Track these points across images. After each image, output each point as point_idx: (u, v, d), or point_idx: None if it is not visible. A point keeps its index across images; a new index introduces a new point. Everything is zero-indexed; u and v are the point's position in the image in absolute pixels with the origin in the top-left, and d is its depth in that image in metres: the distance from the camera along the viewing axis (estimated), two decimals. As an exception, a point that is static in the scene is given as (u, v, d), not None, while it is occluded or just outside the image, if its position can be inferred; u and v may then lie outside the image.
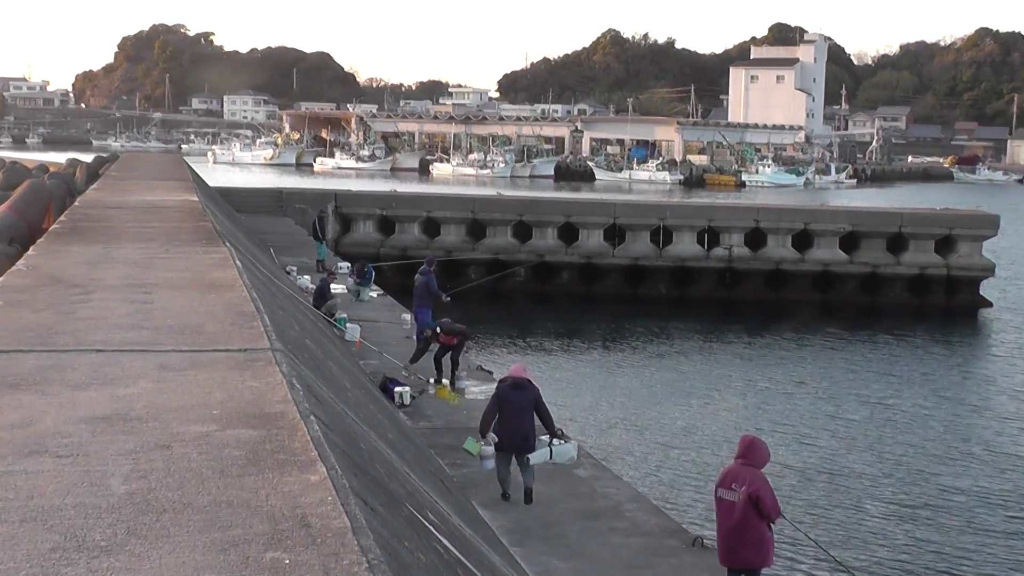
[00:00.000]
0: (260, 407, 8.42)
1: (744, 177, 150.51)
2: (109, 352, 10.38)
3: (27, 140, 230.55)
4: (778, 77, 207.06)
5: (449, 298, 26.75)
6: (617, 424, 27.78)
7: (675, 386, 32.49)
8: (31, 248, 19.38)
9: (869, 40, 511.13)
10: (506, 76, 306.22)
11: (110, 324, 11.83)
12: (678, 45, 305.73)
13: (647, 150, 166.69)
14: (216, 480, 6.68)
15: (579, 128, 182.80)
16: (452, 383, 22.57)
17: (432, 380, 22.63)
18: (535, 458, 16.02)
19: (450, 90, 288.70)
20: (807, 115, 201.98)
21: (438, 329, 22.75)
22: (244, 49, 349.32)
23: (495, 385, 17.16)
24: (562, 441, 16.99)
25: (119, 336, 11.18)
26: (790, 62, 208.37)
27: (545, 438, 16.44)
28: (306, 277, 34.78)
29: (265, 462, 7.05)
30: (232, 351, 10.53)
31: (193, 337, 11.20)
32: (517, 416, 15.66)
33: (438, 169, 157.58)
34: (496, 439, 15.76)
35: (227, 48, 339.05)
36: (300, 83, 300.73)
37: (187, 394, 8.80)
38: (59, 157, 78.97)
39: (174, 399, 8.63)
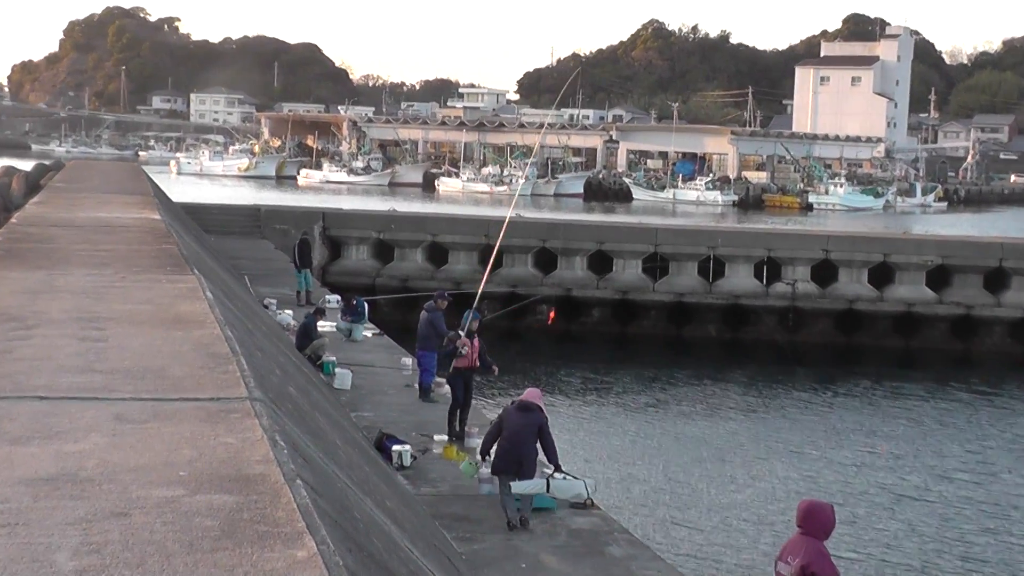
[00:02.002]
0: (237, 468, 8.41)
1: (811, 198, 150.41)
2: (54, 400, 10.38)
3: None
4: (853, 79, 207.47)
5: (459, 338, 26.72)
6: (658, 492, 27.69)
7: (727, 446, 32.39)
8: (-40, 273, 19.45)
9: (965, 35, 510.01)
10: (527, 75, 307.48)
11: (55, 366, 11.84)
12: (733, 39, 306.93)
13: (695, 165, 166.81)
14: (184, 556, 6.66)
15: (614, 138, 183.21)
16: (460, 436, 22.58)
17: (434, 437, 22.61)
18: (521, 487, 17.28)
19: (460, 91, 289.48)
20: (888, 124, 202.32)
21: (472, 319, 22.98)
22: (215, 38, 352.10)
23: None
24: (567, 476, 18.13)
25: (66, 381, 11.19)
26: (868, 61, 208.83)
27: (548, 470, 17.74)
28: (288, 312, 34.77)
29: (243, 534, 7.04)
30: (202, 400, 10.53)
31: (155, 382, 11.20)
32: (516, 438, 17.46)
33: (445, 185, 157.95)
34: (491, 460, 17.32)
35: (195, 37, 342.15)
36: (282, 80, 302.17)
37: (148, 451, 8.79)
38: (-7, 164, 79.29)
39: (133, 457, 8.62)
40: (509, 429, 17.61)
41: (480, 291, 25.80)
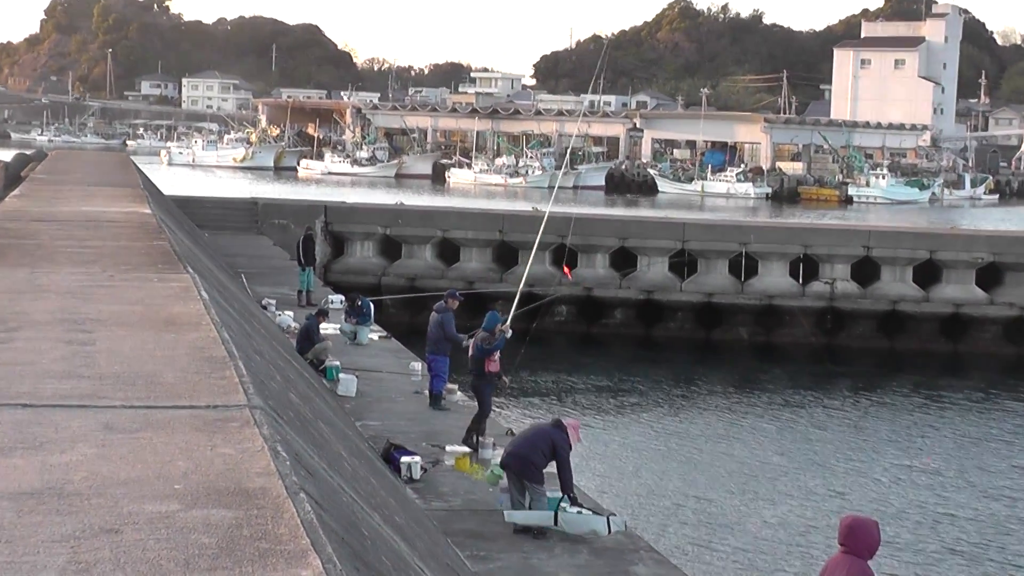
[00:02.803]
0: (235, 481, 8.43)
1: (851, 191, 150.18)
2: (38, 408, 10.41)
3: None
4: (897, 62, 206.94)
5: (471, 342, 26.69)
6: (685, 507, 27.68)
7: (760, 458, 32.36)
8: (-65, 272, 19.50)
9: (1018, 14, 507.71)
10: (545, 58, 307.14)
11: (39, 371, 11.88)
12: (766, 20, 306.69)
13: (725, 155, 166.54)
14: (179, 575, 6.69)
15: (638, 126, 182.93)
16: (475, 444, 22.58)
17: (446, 448, 22.60)
18: (523, 518, 17.86)
19: (473, 75, 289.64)
20: (934, 111, 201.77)
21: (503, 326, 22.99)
22: (209, 19, 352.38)
23: None
24: (583, 509, 18.02)
25: (51, 387, 11.22)
26: (913, 42, 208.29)
27: (558, 494, 17.94)
28: (288, 314, 34.82)
29: (243, 552, 7.05)
30: (198, 408, 10.56)
31: (147, 389, 11.23)
32: (526, 441, 18.23)
33: (456, 176, 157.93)
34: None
35: (187, 17, 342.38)
36: (281, 64, 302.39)
37: (140, 463, 8.81)
38: (-30, 155, 79.45)
39: (124, 469, 8.64)
40: (523, 432, 18.85)
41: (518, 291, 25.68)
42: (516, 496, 18.17)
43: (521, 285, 26.48)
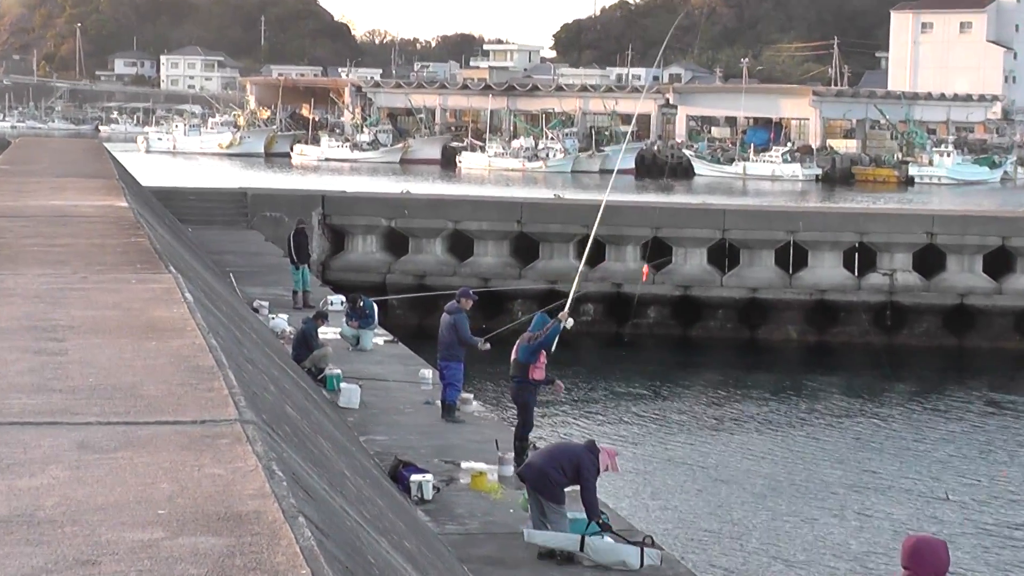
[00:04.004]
0: (226, 504, 8.43)
1: (912, 170, 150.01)
2: (4, 426, 10.39)
3: None
4: (962, 24, 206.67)
5: (489, 345, 26.73)
6: (728, 526, 27.68)
7: (811, 472, 32.31)
8: None
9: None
10: (566, 28, 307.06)
11: (4, 385, 11.88)
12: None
13: (769, 133, 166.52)
14: (164, 611, 6.70)
15: (671, 102, 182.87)
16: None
17: (461, 464, 22.59)
18: (545, 539, 18.00)
19: (485, 47, 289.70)
20: (1005, 79, 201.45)
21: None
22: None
23: None
24: (607, 535, 18.07)
25: (18, 402, 11.22)
26: (980, 2, 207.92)
27: (580, 515, 18.15)
28: (282, 317, 34.88)
29: (235, 585, 7.06)
30: (183, 423, 10.56)
31: (126, 403, 11.24)
32: (548, 454, 18.65)
33: (469, 161, 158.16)
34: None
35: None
36: (271, 38, 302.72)
37: (120, 486, 8.81)
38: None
39: (101, 493, 8.64)
40: (549, 447, 19.25)
41: (573, 290, 25.56)
42: (536, 515, 18.28)
43: (578, 275, 26.48)
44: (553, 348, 22.63)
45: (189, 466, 9.30)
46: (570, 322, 22.71)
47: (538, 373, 22.59)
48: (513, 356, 22.74)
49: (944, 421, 39.06)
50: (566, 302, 23.73)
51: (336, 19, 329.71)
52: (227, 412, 11.02)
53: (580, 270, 28.09)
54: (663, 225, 50.59)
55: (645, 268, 39.78)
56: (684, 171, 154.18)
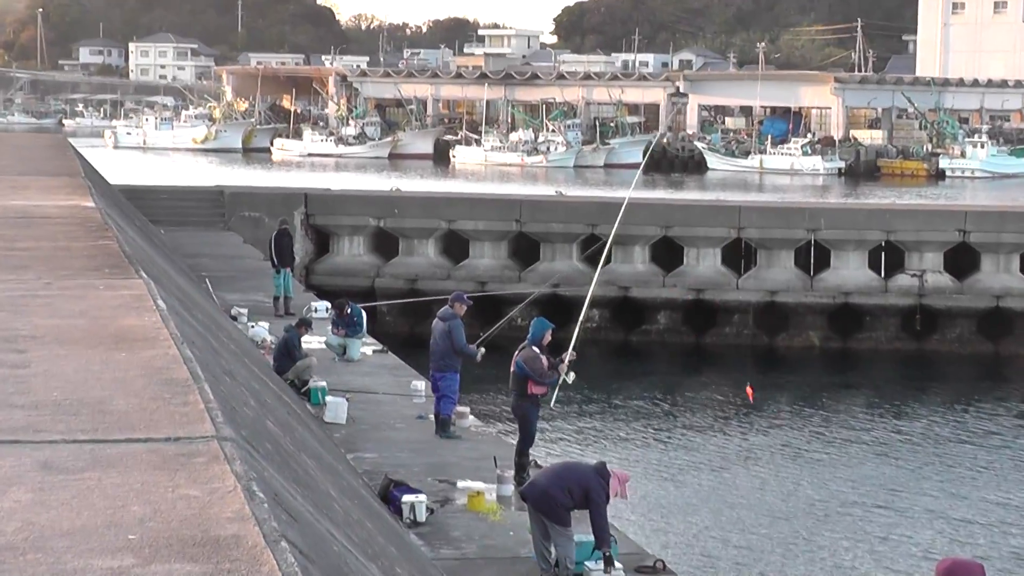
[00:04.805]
0: (203, 528, 8.42)
1: (943, 163, 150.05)
2: (-38, 444, 10.41)
3: None
4: (996, 4, 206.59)
5: (483, 352, 26.72)
6: (748, 552, 27.70)
7: (840, 493, 32.32)
8: None
9: None
10: (567, 11, 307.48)
11: (-37, 400, 11.88)
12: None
13: (788, 123, 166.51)
14: (136, 643, 6.69)
15: (681, 90, 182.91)
16: (525, 479, 22.50)
17: (457, 484, 22.59)
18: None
19: (480, 33, 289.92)
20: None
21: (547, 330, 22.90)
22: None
23: None
24: (613, 568, 18.13)
25: (-22, 419, 11.22)
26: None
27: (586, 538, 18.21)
28: (263, 325, 34.90)
29: (212, 614, 7.05)
30: (156, 441, 10.54)
31: (94, 420, 11.22)
32: (554, 473, 18.71)
33: (463, 155, 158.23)
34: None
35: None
36: (249, 23, 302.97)
37: (87, 509, 8.80)
38: None
39: (67, 517, 8.63)
40: (553, 467, 19.28)
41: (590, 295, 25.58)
42: (539, 539, 18.25)
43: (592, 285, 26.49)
44: (552, 402, 22.86)
45: (162, 487, 9.29)
46: (571, 376, 22.59)
47: (538, 388, 22.62)
48: (512, 368, 22.75)
49: (978, 435, 39.06)
50: (568, 347, 23.22)
51: (319, 3, 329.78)
52: (203, 428, 11.01)
53: (593, 282, 27.85)
54: (673, 223, 50.54)
55: (749, 389, 38.69)
56: (696, 165, 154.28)
